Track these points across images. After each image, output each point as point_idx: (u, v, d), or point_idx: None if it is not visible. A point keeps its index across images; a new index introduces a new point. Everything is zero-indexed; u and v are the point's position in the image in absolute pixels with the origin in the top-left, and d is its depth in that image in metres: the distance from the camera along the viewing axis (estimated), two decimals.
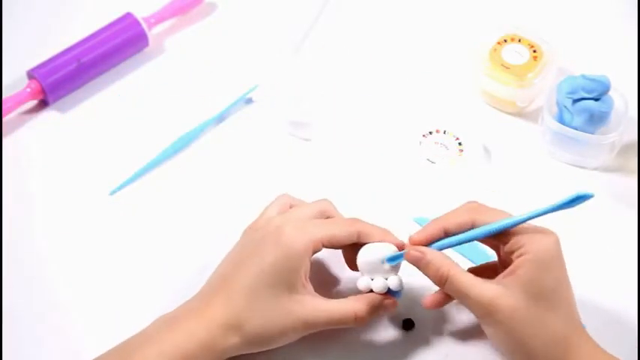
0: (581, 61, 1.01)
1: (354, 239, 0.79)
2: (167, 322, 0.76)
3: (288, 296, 0.76)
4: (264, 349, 0.77)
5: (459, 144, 0.95)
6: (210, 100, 1.00)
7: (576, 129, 0.92)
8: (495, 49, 0.99)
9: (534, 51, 0.98)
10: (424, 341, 0.82)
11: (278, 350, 0.78)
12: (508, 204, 0.92)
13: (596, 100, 0.92)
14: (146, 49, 1.05)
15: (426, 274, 0.77)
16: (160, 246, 0.89)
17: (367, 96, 1.01)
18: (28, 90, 0.98)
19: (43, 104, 1.00)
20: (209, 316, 0.76)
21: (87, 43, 1.01)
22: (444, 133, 0.95)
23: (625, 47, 1.04)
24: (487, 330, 0.76)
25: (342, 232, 0.79)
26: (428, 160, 0.94)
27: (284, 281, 0.76)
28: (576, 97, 0.92)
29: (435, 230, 0.78)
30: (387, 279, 0.79)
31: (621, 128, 0.92)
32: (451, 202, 0.89)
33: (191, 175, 0.95)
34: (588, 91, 0.92)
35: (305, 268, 0.77)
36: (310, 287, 0.78)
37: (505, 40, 0.99)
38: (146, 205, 0.92)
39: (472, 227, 0.78)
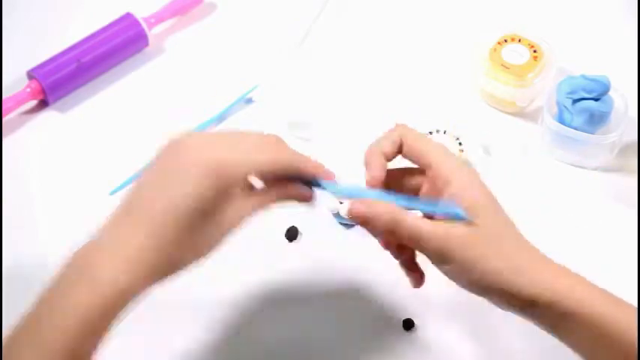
0: (581, 61, 1.01)
1: (291, 170, 0.73)
2: (79, 267, 0.67)
3: (217, 215, 0.69)
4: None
5: (459, 144, 0.95)
6: (210, 100, 1.00)
7: (576, 129, 0.92)
8: (495, 49, 0.99)
9: (534, 51, 0.98)
10: (424, 342, 0.82)
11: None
12: (508, 204, 0.92)
13: (596, 100, 0.92)
14: (146, 49, 1.05)
15: (374, 226, 0.73)
16: None
17: (367, 96, 1.01)
18: (28, 90, 0.98)
19: (43, 104, 1.00)
20: (132, 254, 0.66)
21: (87, 43, 1.01)
22: (444, 133, 0.95)
23: (625, 47, 1.04)
24: (441, 269, 0.73)
25: (279, 158, 0.73)
26: None
27: (217, 202, 0.68)
28: (576, 97, 0.92)
29: (379, 163, 0.74)
30: (341, 203, 0.85)
31: (621, 128, 0.92)
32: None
33: None
34: (588, 92, 0.92)
35: (238, 186, 0.70)
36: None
37: (505, 40, 0.99)
38: None
39: (399, 148, 0.74)
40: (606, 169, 0.94)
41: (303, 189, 0.74)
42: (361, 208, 0.72)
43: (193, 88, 1.02)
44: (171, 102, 1.01)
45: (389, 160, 0.75)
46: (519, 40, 0.99)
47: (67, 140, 0.97)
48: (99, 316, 0.65)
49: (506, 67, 0.97)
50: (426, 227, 0.71)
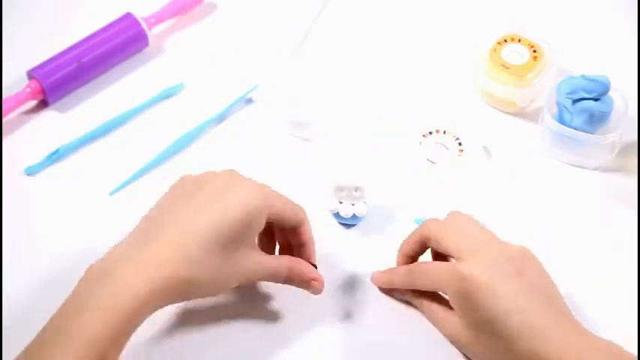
0: (581, 61, 1.02)
1: (295, 226, 0.80)
2: (100, 278, 0.71)
3: (239, 250, 0.75)
4: (200, 298, 0.79)
5: (459, 144, 0.95)
6: (210, 100, 1.00)
7: (576, 129, 0.92)
8: (495, 49, 0.99)
9: (534, 51, 0.98)
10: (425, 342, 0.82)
11: None
12: (508, 204, 0.92)
13: (596, 100, 0.92)
14: (146, 49, 1.05)
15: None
16: None
17: (367, 96, 1.01)
18: (28, 90, 0.98)
19: (43, 104, 1.00)
20: (150, 266, 0.71)
21: (87, 43, 1.01)
22: (444, 133, 0.95)
23: (625, 47, 1.04)
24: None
25: (292, 211, 0.80)
26: (428, 160, 0.94)
27: (241, 237, 0.75)
28: (576, 97, 0.92)
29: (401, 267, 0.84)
30: (353, 204, 0.87)
31: (621, 128, 0.92)
32: (451, 202, 0.89)
33: None
34: (588, 92, 0.92)
35: (261, 226, 0.77)
36: (257, 249, 0.79)
37: (505, 40, 0.99)
38: (146, 205, 0.91)
39: (425, 246, 0.82)
40: (606, 169, 0.94)
41: (317, 275, 0.82)
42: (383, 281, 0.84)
43: (193, 88, 1.02)
44: (171, 102, 1.01)
45: (415, 259, 0.84)
46: (519, 40, 0.99)
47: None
48: (124, 323, 0.70)
49: (506, 67, 0.97)
50: (440, 319, 0.81)
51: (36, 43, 1.05)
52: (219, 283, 0.76)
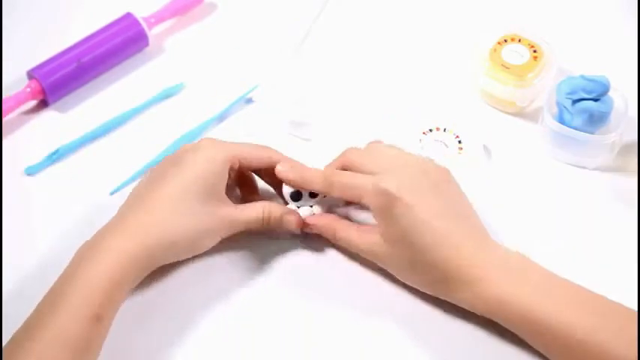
0: (581, 61, 1.02)
1: (265, 162, 0.86)
2: (92, 247, 0.78)
3: (210, 202, 0.82)
4: (190, 256, 0.84)
5: (459, 142, 0.95)
6: (210, 100, 1.00)
7: (576, 129, 0.92)
8: (495, 49, 0.99)
9: (534, 51, 0.98)
10: (419, 335, 0.82)
11: None
12: (507, 203, 0.92)
13: (596, 100, 0.92)
14: (146, 49, 1.05)
15: (322, 233, 0.86)
16: None
17: (367, 96, 1.01)
18: (28, 90, 0.98)
19: (43, 104, 1.00)
20: (134, 229, 0.79)
21: (87, 43, 1.01)
22: (444, 131, 0.95)
23: (625, 47, 1.04)
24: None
25: (255, 151, 0.86)
26: (427, 157, 0.94)
27: (206, 192, 0.82)
28: (576, 97, 0.92)
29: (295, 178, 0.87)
30: (312, 206, 0.87)
31: (621, 128, 0.92)
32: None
33: None
34: (588, 92, 0.92)
35: (224, 182, 0.84)
36: (229, 201, 0.84)
37: (505, 40, 0.99)
38: None
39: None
40: (606, 169, 0.94)
41: (290, 212, 0.86)
42: (312, 221, 0.86)
43: (193, 88, 1.02)
44: (171, 102, 1.01)
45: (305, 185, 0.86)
46: (519, 40, 0.99)
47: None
48: (116, 283, 0.76)
49: (506, 67, 0.97)
50: (357, 239, 0.84)
51: (36, 43, 1.05)
52: (200, 236, 0.82)
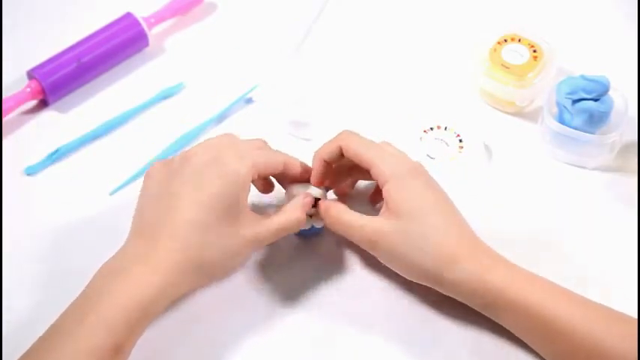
0: (581, 61, 1.02)
1: (281, 168, 0.84)
2: (114, 274, 0.75)
3: (236, 221, 0.78)
4: (221, 279, 0.82)
5: (460, 141, 0.95)
6: (210, 100, 1.00)
7: (576, 129, 0.92)
8: (495, 49, 0.99)
9: (534, 51, 0.98)
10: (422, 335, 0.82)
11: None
12: (507, 202, 0.92)
13: (596, 100, 0.92)
14: (146, 49, 1.05)
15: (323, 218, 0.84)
16: None
17: (367, 96, 1.01)
18: (28, 90, 0.98)
19: (43, 104, 1.00)
20: (160, 258, 0.75)
21: (87, 43, 1.01)
22: (445, 129, 0.96)
23: (625, 47, 1.04)
24: (378, 256, 0.82)
25: (273, 159, 0.83)
26: (428, 155, 0.94)
27: (231, 208, 0.78)
28: (576, 97, 0.92)
29: (319, 166, 0.85)
30: (311, 216, 0.85)
31: (621, 128, 0.92)
32: (451, 198, 0.89)
33: None
34: (588, 92, 0.92)
35: (247, 193, 0.81)
36: (254, 215, 0.81)
37: (505, 40, 0.99)
38: None
39: (341, 153, 0.84)
40: (606, 169, 0.94)
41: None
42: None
43: (193, 88, 1.02)
44: (171, 102, 1.01)
45: (331, 162, 0.85)
46: (519, 40, 0.99)
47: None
48: (140, 312, 0.73)
49: (506, 67, 0.97)
50: (351, 221, 0.82)
51: (36, 43, 1.05)
52: (230, 258, 0.79)
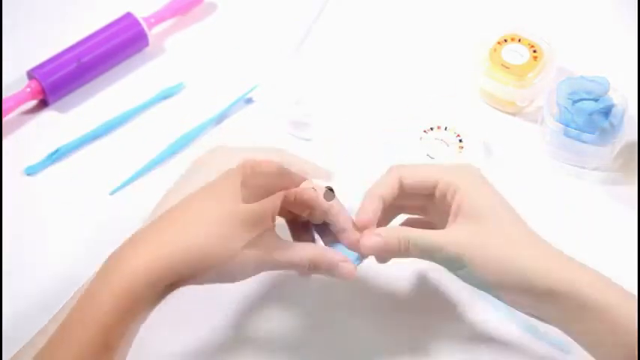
0: (581, 61, 1.02)
1: (273, 167, 0.76)
2: (104, 267, 0.72)
3: (253, 231, 0.73)
4: (213, 282, 0.74)
5: (460, 141, 0.95)
6: (210, 100, 1.00)
7: (576, 129, 0.92)
8: (495, 49, 0.99)
9: (534, 51, 0.98)
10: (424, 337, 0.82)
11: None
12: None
13: (596, 100, 0.92)
14: (146, 49, 1.05)
15: (391, 252, 0.77)
16: None
17: (367, 96, 1.01)
18: (28, 90, 0.98)
19: (43, 104, 1.00)
20: (151, 246, 0.71)
21: (87, 43, 1.01)
22: (445, 129, 0.96)
23: (625, 47, 1.04)
24: (458, 273, 0.76)
25: (265, 156, 0.77)
26: (428, 155, 0.94)
27: (253, 219, 0.73)
28: (576, 97, 0.92)
29: (373, 204, 0.78)
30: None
31: (621, 129, 0.92)
32: None
33: None
34: (588, 92, 0.92)
35: (270, 210, 0.75)
36: (275, 235, 0.76)
37: (505, 40, 0.99)
38: (146, 205, 0.92)
39: (400, 184, 0.78)
40: (606, 169, 0.94)
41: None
42: (373, 239, 0.76)
43: (193, 88, 1.02)
44: (171, 102, 1.01)
45: (387, 203, 0.78)
46: (519, 40, 0.99)
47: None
48: (130, 305, 0.69)
49: (506, 67, 0.97)
50: (436, 238, 0.75)
51: (36, 43, 1.05)
52: (230, 263, 0.73)
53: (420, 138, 0.95)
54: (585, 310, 0.73)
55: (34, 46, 1.04)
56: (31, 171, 0.94)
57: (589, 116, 0.92)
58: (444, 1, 1.10)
